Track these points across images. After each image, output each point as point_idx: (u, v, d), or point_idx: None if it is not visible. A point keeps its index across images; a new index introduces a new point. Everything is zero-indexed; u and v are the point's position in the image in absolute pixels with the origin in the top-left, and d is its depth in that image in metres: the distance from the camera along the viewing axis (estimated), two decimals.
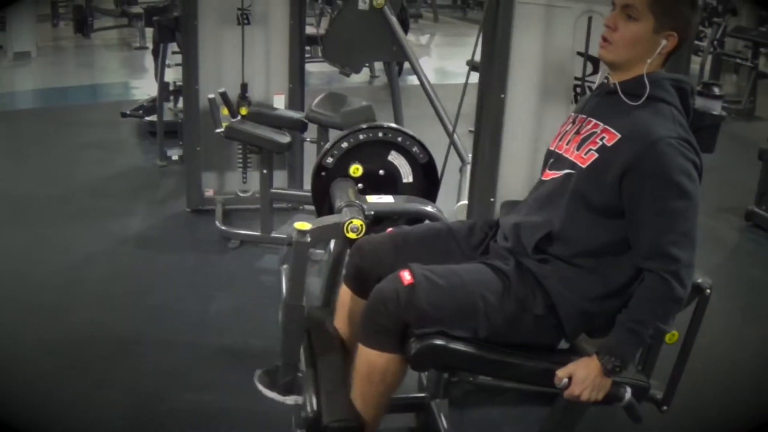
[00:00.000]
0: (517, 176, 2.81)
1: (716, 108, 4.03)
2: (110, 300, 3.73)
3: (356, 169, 2.66)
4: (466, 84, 2.98)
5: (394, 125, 2.74)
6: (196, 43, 4.42)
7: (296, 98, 4.65)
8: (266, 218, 4.31)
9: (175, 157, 5.56)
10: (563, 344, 2.16)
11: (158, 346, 3.32)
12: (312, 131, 4.25)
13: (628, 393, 2.03)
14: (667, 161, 1.91)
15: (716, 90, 4.26)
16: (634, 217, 1.97)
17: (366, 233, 2.35)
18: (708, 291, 2.10)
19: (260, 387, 2.42)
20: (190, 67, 4.45)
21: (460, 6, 16.49)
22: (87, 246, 4.28)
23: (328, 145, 2.71)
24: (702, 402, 3.08)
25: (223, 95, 4.11)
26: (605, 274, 2.04)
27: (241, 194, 4.75)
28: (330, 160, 2.66)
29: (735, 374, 3.42)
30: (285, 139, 4.07)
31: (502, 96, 2.69)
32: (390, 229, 2.35)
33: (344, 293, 2.40)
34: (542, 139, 2.72)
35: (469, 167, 3.42)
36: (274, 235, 4.32)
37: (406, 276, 2.00)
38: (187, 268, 4.11)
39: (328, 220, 2.41)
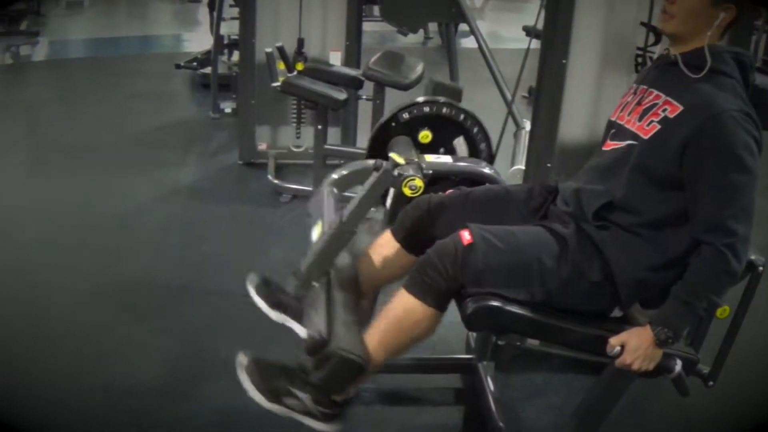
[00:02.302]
0: (575, 143, 2.80)
1: None
2: (162, 249, 3.79)
3: (425, 136, 2.68)
4: (528, 50, 2.96)
5: (476, 116, 2.74)
6: None
7: (353, 55, 4.64)
8: (319, 174, 4.31)
9: (227, 110, 5.59)
10: (616, 313, 2.16)
11: (209, 296, 3.36)
12: (367, 89, 4.25)
13: (678, 365, 2.04)
14: (729, 135, 1.90)
15: None
16: (693, 189, 1.97)
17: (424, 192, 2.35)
18: (761, 268, 2.09)
19: (252, 293, 2.41)
20: (247, 20, 4.47)
21: None
22: (140, 195, 4.35)
23: (408, 102, 2.70)
24: (747, 380, 3.04)
25: (281, 50, 4.11)
26: (664, 244, 2.04)
27: (294, 149, 4.77)
28: (406, 116, 2.67)
29: None
30: (341, 95, 4.08)
31: (564, 62, 2.66)
32: (449, 190, 2.36)
33: (386, 240, 2.37)
34: (601, 107, 2.70)
35: (523, 132, 3.40)
36: None
37: (466, 236, 2.01)
38: (239, 220, 4.15)
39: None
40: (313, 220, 2.42)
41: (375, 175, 2.22)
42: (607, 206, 2.07)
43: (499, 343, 2.97)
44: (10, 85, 6.69)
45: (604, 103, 2.68)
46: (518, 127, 4.08)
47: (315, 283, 2.26)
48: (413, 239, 2.31)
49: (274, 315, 2.34)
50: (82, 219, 4.05)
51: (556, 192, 2.27)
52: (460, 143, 2.91)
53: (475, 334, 2.97)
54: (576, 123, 2.77)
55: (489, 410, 2.70)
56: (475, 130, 2.72)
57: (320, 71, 4.25)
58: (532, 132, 2.85)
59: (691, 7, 2.00)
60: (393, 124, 2.70)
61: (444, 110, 2.72)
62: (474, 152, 2.78)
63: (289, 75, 4.11)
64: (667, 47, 2.15)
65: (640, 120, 2.07)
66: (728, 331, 2.20)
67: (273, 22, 4.51)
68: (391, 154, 2.23)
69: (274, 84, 4.08)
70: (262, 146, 4.80)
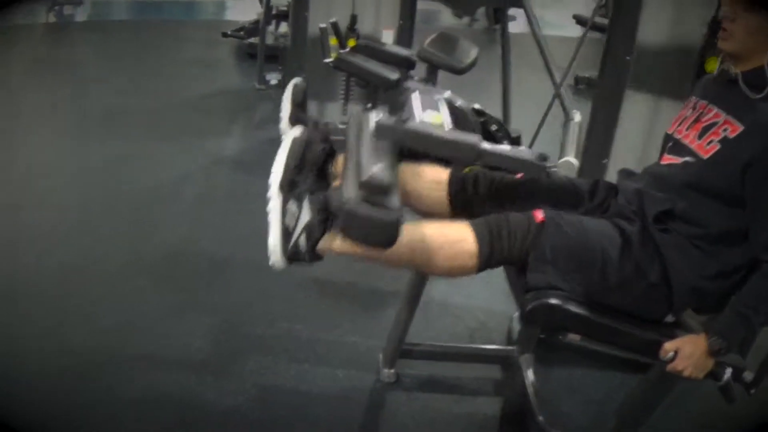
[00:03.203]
0: (632, 141, 2.77)
1: None
2: (204, 219, 3.80)
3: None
4: (581, 40, 2.93)
5: (497, 119, 2.73)
6: None
7: (405, 35, 4.58)
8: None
9: (273, 82, 5.57)
10: (669, 318, 2.15)
11: (249, 269, 3.36)
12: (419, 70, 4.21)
13: (727, 374, 2.03)
14: None
15: None
16: (755, 208, 1.96)
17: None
18: None
19: (287, 93, 2.39)
20: None
21: None
22: (183, 163, 4.35)
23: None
24: None
25: (334, 25, 4.05)
26: (721, 257, 2.03)
27: (340, 126, 4.73)
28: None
29: None
30: (394, 75, 4.02)
31: (628, 58, 2.62)
32: (520, 174, 2.32)
33: (442, 178, 2.29)
34: (661, 109, 2.67)
35: (572, 123, 3.36)
36: None
37: (539, 215, 2.02)
38: None
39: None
40: (422, 103, 2.44)
41: (537, 161, 2.05)
42: (667, 213, 2.06)
43: (541, 336, 2.96)
44: (53, 45, 6.72)
45: (664, 104, 2.66)
46: (567, 117, 4.04)
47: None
48: (464, 201, 2.27)
49: (283, 126, 2.33)
50: (125, 184, 4.07)
51: (617, 189, 2.26)
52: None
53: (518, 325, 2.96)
54: (634, 120, 2.74)
55: (529, 403, 2.70)
56: (495, 128, 2.68)
57: (373, 49, 4.18)
58: (591, 125, 2.82)
59: (752, 25, 1.97)
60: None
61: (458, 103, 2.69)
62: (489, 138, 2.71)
63: (343, 51, 4.07)
64: (728, 63, 2.12)
65: (699, 138, 2.07)
66: None
67: None
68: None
69: (327, 60, 4.04)
70: None
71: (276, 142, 4.58)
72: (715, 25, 2.58)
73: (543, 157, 2.09)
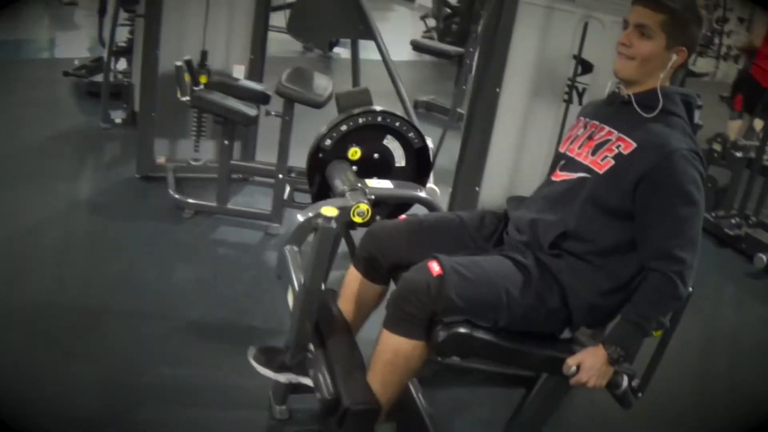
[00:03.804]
0: (502, 168, 2.90)
1: None
2: (69, 268, 3.66)
3: (355, 152, 2.70)
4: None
5: (391, 110, 2.77)
6: (160, 6, 4.31)
7: (257, 69, 4.62)
8: (223, 189, 4.29)
9: (118, 120, 5.43)
10: (565, 334, 2.29)
11: (125, 317, 3.27)
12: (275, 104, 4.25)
13: (625, 381, 2.17)
14: (680, 172, 2.06)
15: None
16: (644, 220, 2.11)
17: (371, 218, 2.40)
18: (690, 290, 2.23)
19: (255, 364, 2.45)
20: (151, 31, 4.34)
21: None
22: (37, 210, 4.15)
23: (325, 128, 2.71)
24: (671, 393, 3.28)
25: (188, 63, 4.05)
26: (612, 270, 2.18)
27: (192, 163, 4.69)
28: (328, 142, 2.68)
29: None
30: (253, 111, 4.06)
31: (498, 90, 2.75)
32: (402, 216, 2.42)
33: (352, 276, 2.45)
34: (530, 134, 2.81)
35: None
36: (229, 206, 4.31)
37: (435, 267, 2.07)
38: (144, 236, 4.05)
39: (335, 203, 2.43)
40: (284, 283, 2.47)
41: (315, 235, 2.26)
42: (561, 235, 2.19)
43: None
44: None
45: (532, 129, 2.80)
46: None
47: (310, 346, 2.34)
48: (373, 270, 2.39)
49: (283, 378, 2.41)
50: None
51: (506, 219, 2.37)
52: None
53: None
54: (504, 148, 2.87)
55: (425, 427, 2.76)
56: (398, 124, 2.75)
57: (227, 85, 4.21)
58: (461, 157, 2.93)
59: (648, 52, 2.15)
60: (320, 155, 2.70)
61: (360, 120, 2.72)
62: (406, 145, 2.79)
63: (198, 89, 4.05)
64: (618, 86, 2.29)
65: (593, 154, 2.20)
66: (657, 348, 2.34)
67: (178, 34, 4.40)
68: (322, 210, 2.28)
69: (184, 98, 4.01)
70: (160, 159, 4.67)
71: (130, 182, 4.47)
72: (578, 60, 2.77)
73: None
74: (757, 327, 4.42)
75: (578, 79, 2.75)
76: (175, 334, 3.22)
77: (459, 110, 6.94)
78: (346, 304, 2.47)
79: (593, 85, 2.78)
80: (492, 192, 2.85)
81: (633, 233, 2.15)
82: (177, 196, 4.36)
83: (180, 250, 3.98)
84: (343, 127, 2.68)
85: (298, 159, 4.32)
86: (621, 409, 2.25)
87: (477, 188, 2.86)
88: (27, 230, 3.95)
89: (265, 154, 4.84)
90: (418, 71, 8.91)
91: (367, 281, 2.41)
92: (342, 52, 8.27)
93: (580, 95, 2.81)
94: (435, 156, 3.46)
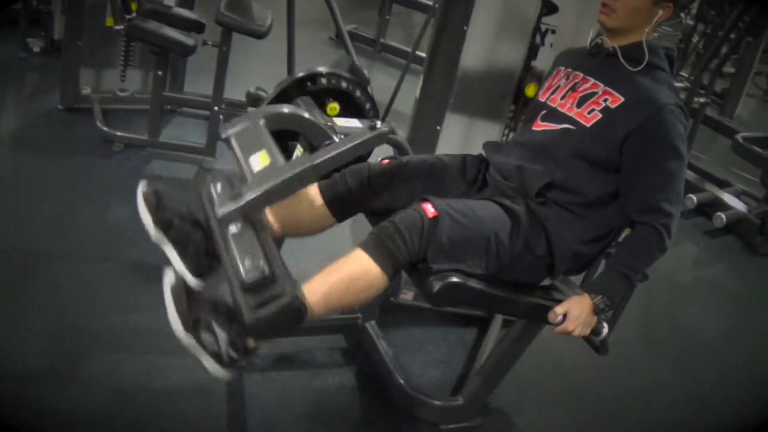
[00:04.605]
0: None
1: None
2: (1, 210, 3.47)
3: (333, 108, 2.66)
4: None
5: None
6: None
7: None
8: (155, 121, 4.12)
9: (36, 49, 5.11)
10: (545, 281, 2.30)
11: (65, 260, 3.13)
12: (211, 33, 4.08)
13: (605, 329, 2.21)
14: (669, 127, 2.07)
15: None
16: (632, 174, 2.12)
17: None
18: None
19: (139, 199, 2.23)
20: None
21: None
22: None
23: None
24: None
25: None
26: (595, 221, 2.19)
27: (120, 93, 4.49)
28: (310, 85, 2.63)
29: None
30: (191, 41, 3.88)
31: (465, 28, 2.68)
32: (385, 159, 2.35)
33: (312, 194, 2.32)
34: (495, 75, 2.77)
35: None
36: (162, 140, 4.15)
37: (430, 209, 2.04)
38: (74, 172, 3.85)
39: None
40: (243, 148, 2.15)
41: (370, 133, 2.13)
42: (547, 185, 2.17)
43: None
44: None
45: (498, 70, 2.76)
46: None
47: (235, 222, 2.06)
48: (342, 204, 2.30)
49: (154, 234, 2.18)
50: None
51: (486, 162, 2.34)
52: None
53: None
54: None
55: (386, 368, 2.76)
56: (358, 93, 2.72)
57: (160, 13, 4.00)
58: (423, 94, 2.87)
59: (635, 4, 2.13)
60: (307, 86, 2.64)
61: (323, 81, 2.70)
62: (363, 114, 2.77)
63: (133, 17, 3.83)
64: (601, 37, 2.26)
65: (578, 107, 2.19)
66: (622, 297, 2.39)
67: None
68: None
69: (118, 27, 3.80)
70: (86, 90, 4.44)
71: (54, 114, 4.24)
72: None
73: (372, 126, 2.15)
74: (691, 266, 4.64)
75: (543, 20, 2.70)
76: (120, 277, 3.10)
77: (382, 41, 6.89)
78: (283, 213, 2.30)
79: (561, 27, 2.73)
80: (454, 133, 2.80)
81: (617, 185, 2.16)
82: (106, 128, 4.16)
83: (113, 186, 3.80)
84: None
85: (232, 91, 4.24)
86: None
87: (438, 127, 2.80)
88: None
89: (194, 85, 4.69)
90: None
91: (327, 210, 2.31)
92: None
93: (543, 36, 2.76)
94: (393, 98, 3.43)
